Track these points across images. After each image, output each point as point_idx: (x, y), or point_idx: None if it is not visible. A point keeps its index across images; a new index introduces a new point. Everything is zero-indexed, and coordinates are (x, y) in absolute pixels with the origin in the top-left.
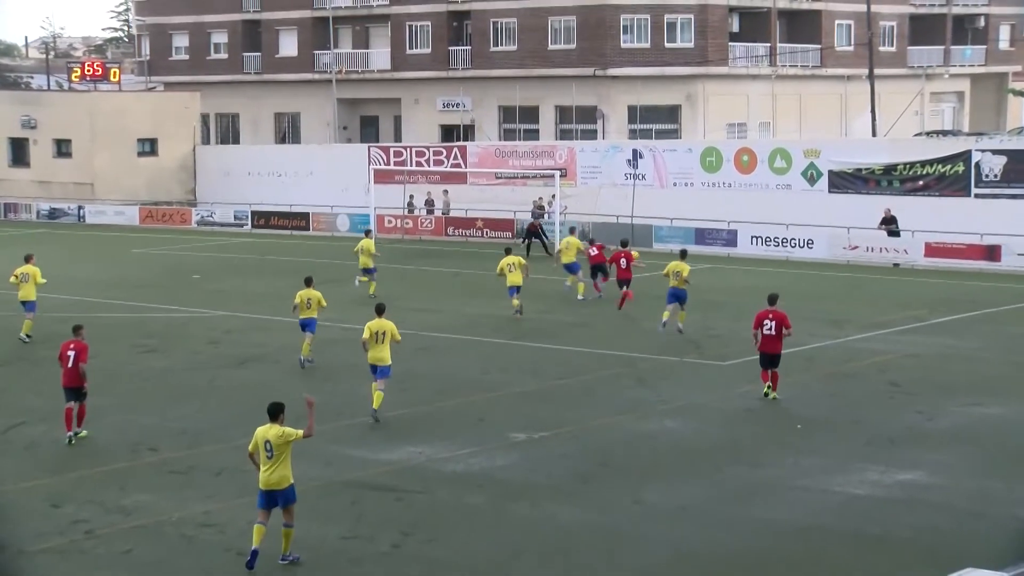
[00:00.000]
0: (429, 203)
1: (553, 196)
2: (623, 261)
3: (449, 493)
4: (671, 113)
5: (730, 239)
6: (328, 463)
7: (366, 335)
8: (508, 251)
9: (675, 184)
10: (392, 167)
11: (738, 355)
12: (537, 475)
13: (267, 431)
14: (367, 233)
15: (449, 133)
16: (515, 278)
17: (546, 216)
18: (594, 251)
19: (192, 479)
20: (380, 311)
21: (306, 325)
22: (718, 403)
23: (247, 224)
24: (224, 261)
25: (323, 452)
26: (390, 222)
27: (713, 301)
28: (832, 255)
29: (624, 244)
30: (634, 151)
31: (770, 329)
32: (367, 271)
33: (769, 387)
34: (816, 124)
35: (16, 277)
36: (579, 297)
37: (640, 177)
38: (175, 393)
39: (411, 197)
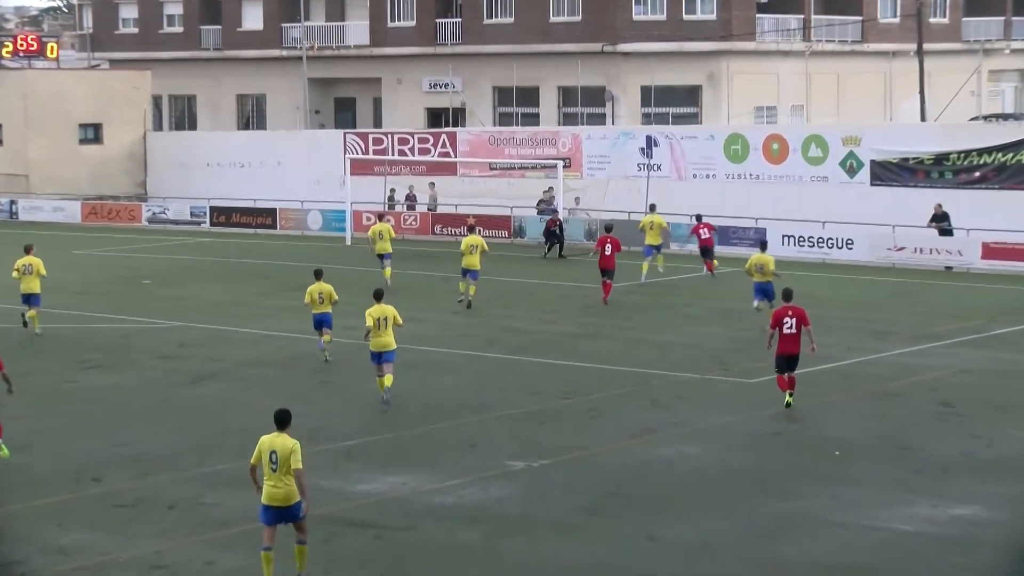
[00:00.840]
0: (411, 198)
1: (553, 190)
2: (608, 247)
3: (437, 529)
4: (690, 95)
5: (759, 239)
6: None
7: (369, 323)
8: (472, 229)
9: (695, 176)
10: (371, 156)
11: (766, 372)
12: (537, 508)
13: (273, 440)
14: (381, 217)
15: (436, 118)
16: (472, 260)
17: (562, 211)
18: (705, 232)
19: (142, 514)
20: (379, 296)
21: (322, 321)
22: (744, 426)
23: (205, 222)
24: (179, 264)
25: None
26: (368, 219)
27: (738, 310)
28: (875, 257)
29: (608, 229)
30: (648, 138)
31: (791, 328)
32: (384, 256)
33: (790, 394)
34: (856, 107)
35: (18, 271)
36: (643, 279)
37: (655, 168)
38: (122, 415)
39: (392, 191)
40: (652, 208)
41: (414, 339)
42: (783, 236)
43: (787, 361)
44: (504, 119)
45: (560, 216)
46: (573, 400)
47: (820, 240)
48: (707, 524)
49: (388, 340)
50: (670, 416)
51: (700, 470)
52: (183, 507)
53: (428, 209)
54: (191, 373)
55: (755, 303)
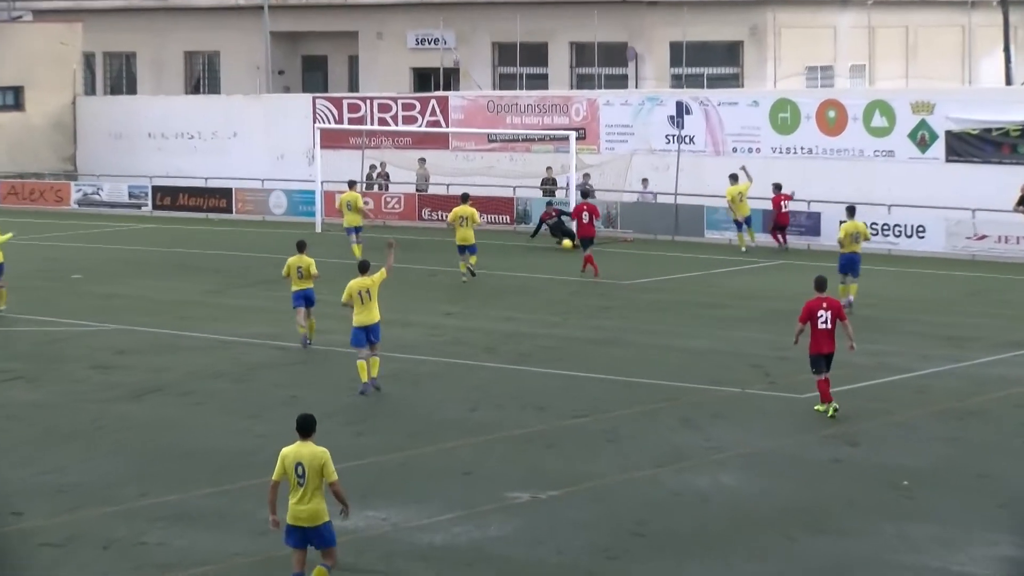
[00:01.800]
0: (382, 176)
1: (588, 176)
2: (585, 215)
3: (424, 574)
4: (730, 53)
5: (811, 225)
6: (260, 532)
7: (346, 298)
8: (465, 198)
9: (735, 150)
10: (346, 126)
11: None
12: (544, 549)
13: (299, 451)
14: (352, 185)
15: (425, 80)
16: (467, 234)
17: (568, 192)
18: (786, 205)
19: (70, 555)
20: (364, 268)
21: (306, 298)
22: (793, 450)
23: (146, 205)
24: (115, 255)
25: (252, 518)
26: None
27: (787, 311)
28: (951, 247)
29: (586, 195)
30: (679, 104)
31: (825, 322)
32: (355, 230)
33: (834, 406)
34: (929, 68)
35: None
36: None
37: (687, 140)
38: (49, 436)
39: (373, 168)
40: (735, 178)
41: (397, 345)
42: (840, 223)
43: (825, 361)
44: (506, 81)
45: (558, 207)
46: (587, 419)
47: (885, 227)
48: (748, 569)
49: (375, 313)
50: (704, 439)
51: (740, 504)
52: (120, 547)
53: (417, 189)
54: (130, 386)
55: (841, 281)
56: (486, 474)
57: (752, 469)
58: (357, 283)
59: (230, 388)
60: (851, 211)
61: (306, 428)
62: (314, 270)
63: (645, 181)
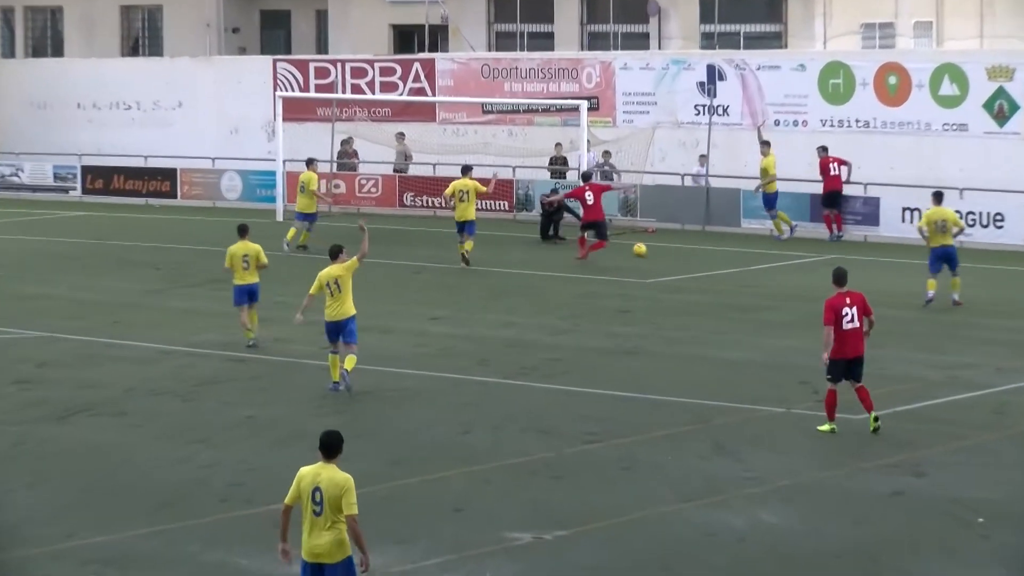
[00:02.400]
0: (349, 154)
1: (609, 154)
2: (589, 196)
3: None
4: (771, 8)
5: (868, 213)
6: None
7: (315, 288)
8: (467, 170)
9: (777, 123)
10: (313, 95)
11: (881, 403)
12: None
13: (318, 474)
14: (309, 164)
15: (406, 39)
16: (468, 211)
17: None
18: (835, 168)
19: None
20: (335, 254)
21: (249, 294)
22: (846, 481)
23: (75, 188)
24: (37, 248)
25: (196, 562)
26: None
27: None
28: None
29: (587, 178)
30: (710, 69)
31: (852, 321)
32: (306, 217)
33: (875, 417)
34: (1008, 26)
35: None
36: (781, 236)
37: (720, 111)
38: None
39: (344, 143)
40: (768, 145)
41: (374, 356)
42: (903, 210)
43: (849, 366)
44: (504, 41)
45: (557, 196)
46: (601, 444)
47: (956, 214)
48: None
49: (347, 307)
50: (741, 467)
51: (783, 545)
52: None
53: (395, 170)
54: (55, 405)
55: (929, 289)
56: (481, 510)
57: (797, 504)
58: (327, 272)
59: (173, 407)
60: (938, 197)
61: (331, 448)
62: (263, 259)
63: (704, 158)
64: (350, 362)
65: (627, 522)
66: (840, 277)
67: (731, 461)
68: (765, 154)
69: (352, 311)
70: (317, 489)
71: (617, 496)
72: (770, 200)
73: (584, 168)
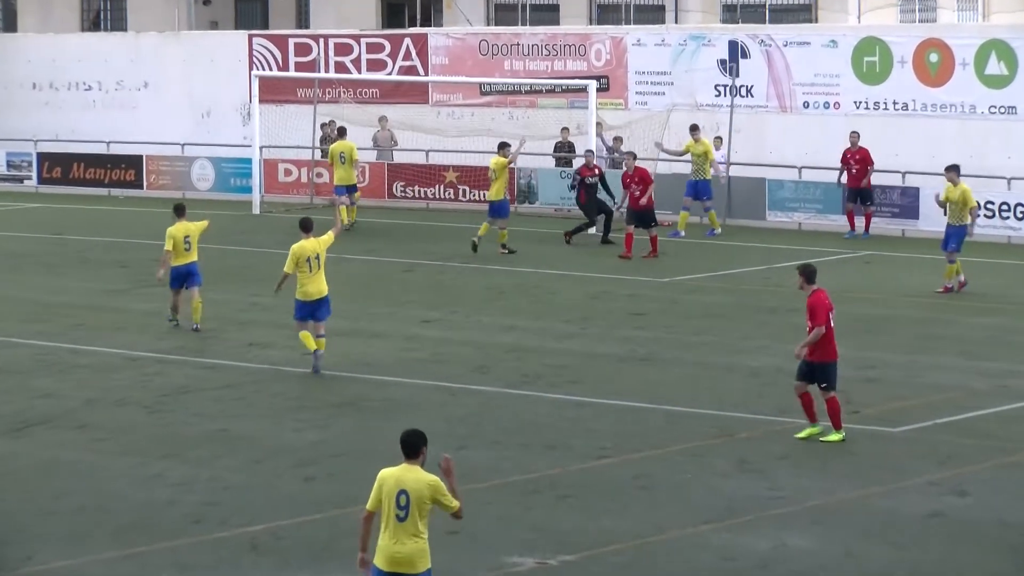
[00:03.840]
0: (326, 138)
1: (620, 141)
2: (636, 188)
3: None
4: None
5: (907, 205)
6: None
7: (290, 265)
8: (503, 147)
9: (807, 105)
10: (293, 74)
11: (920, 414)
12: None
13: (402, 476)
14: (342, 132)
15: (396, 13)
16: (498, 190)
17: (606, 150)
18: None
19: None
20: (308, 227)
21: (188, 275)
22: (882, 502)
23: (30, 177)
24: None
25: None
26: (289, 173)
27: (876, 318)
28: None
29: (626, 167)
30: (732, 45)
31: (807, 324)
32: (347, 189)
33: (832, 431)
34: None
35: None
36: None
37: (743, 92)
38: None
39: (325, 126)
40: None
41: (359, 363)
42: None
43: (827, 372)
44: (503, 15)
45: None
46: (612, 461)
47: (1004, 207)
48: None
49: (323, 286)
50: (767, 486)
51: (812, 571)
52: None
53: (378, 157)
54: (9, 418)
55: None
56: (479, 533)
57: (827, 526)
58: (303, 247)
59: (139, 420)
60: (954, 170)
61: (414, 446)
62: (206, 225)
63: (719, 140)
64: (321, 345)
65: (640, 546)
66: (811, 274)
67: (756, 479)
68: (697, 139)
69: (327, 289)
70: (403, 492)
71: (629, 518)
72: (705, 189)
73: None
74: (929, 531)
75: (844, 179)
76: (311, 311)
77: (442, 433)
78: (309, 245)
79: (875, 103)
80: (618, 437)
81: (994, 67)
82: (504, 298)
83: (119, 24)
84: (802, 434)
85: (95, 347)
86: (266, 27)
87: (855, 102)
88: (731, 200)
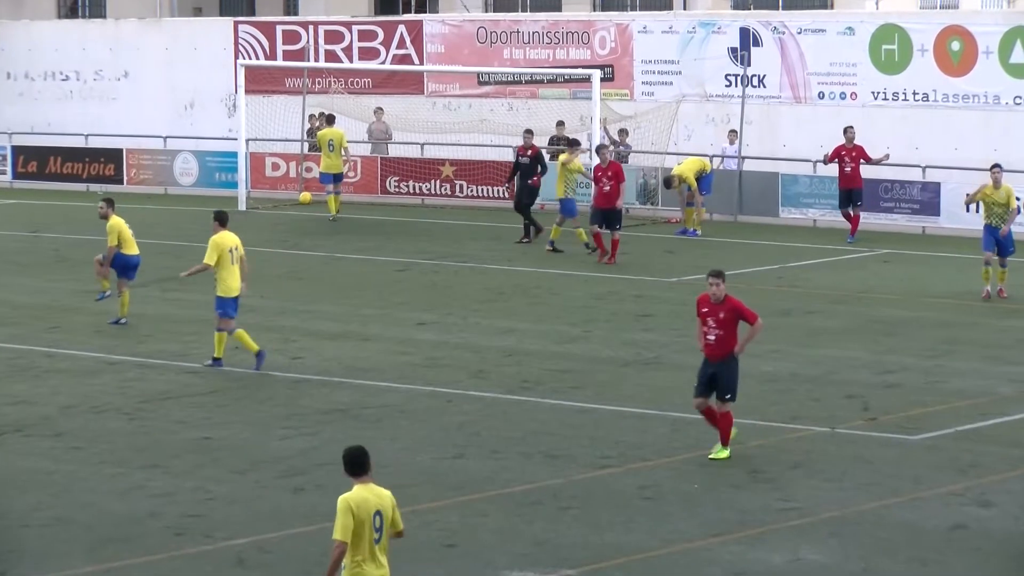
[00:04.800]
0: (315, 131)
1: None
2: (607, 183)
3: None
4: None
5: (927, 201)
6: None
7: (213, 257)
8: (572, 144)
9: (822, 95)
10: (280, 63)
11: (942, 421)
12: None
13: (370, 496)
14: (330, 120)
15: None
16: (563, 189)
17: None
18: (850, 163)
19: None
20: (225, 220)
21: (126, 267)
22: (901, 513)
23: (6, 172)
24: None
25: None
26: (276, 167)
27: (896, 319)
28: None
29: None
30: (744, 32)
31: (716, 331)
32: (334, 178)
33: (720, 447)
34: None
35: None
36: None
37: (755, 82)
38: None
39: (313, 117)
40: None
41: (350, 369)
42: (967, 196)
43: (713, 382)
44: (503, 1)
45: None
46: (617, 470)
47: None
48: None
49: (239, 278)
50: (780, 497)
51: None
52: None
53: (373, 151)
54: None
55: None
56: (476, 546)
57: (844, 539)
58: (223, 237)
59: (118, 428)
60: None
61: (363, 464)
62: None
63: (733, 134)
64: (248, 341)
65: (646, 560)
66: (716, 273)
67: (768, 489)
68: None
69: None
70: (378, 513)
71: (635, 530)
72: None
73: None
74: (951, 544)
75: (831, 169)
76: (235, 306)
77: (438, 441)
78: (230, 237)
79: (894, 94)
80: (622, 445)
81: (1019, 55)
82: (503, 299)
83: (98, 11)
84: (718, 452)
85: (72, 351)
86: (252, 14)
87: (873, 93)
88: (743, 196)
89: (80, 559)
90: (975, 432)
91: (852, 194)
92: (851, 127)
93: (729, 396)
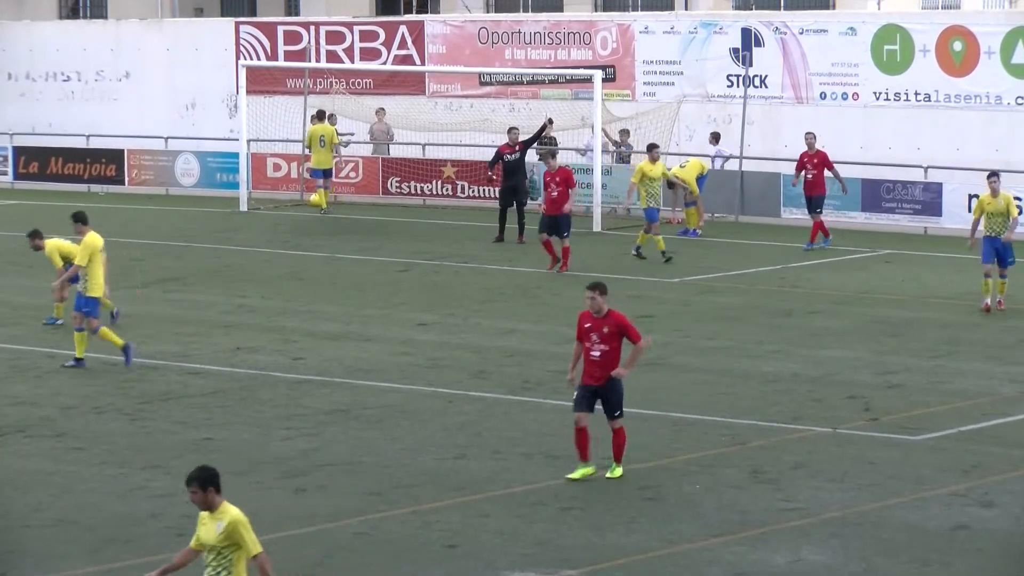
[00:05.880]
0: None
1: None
2: (555, 188)
3: None
4: None
5: (930, 202)
6: None
7: (85, 257)
8: (651, 148)
9: (824, 96)
10: (281, 64)
11: (944, 421)
12: None
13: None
14: (329, 117)
15: (392, 0)
16: (643, 196)
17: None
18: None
19: None
20: (86, 220)
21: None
22: (903, 514)
23: (7, 172)
24: None
25: None
26: (278, 167)
27: (898, 319)
28: None
29: (547, 165)
30: (746, 33)
31: (600, 347)
32: (324, 173)
33: (587, 471)
34: None
35: None
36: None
37: (757, 83)
38: None
39: (316, 118)
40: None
41: (351, 369)
42: (970, 198)
43: (593, 396)
44: (504, 1)
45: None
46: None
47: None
48: None
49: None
50: (782, 498)
51: None
52: None
53: (375, 152)
54: None
55: (985, 274)
56: (478, 547)
57: (846, 539)
58: (94, 238)
59: (119, 428)
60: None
61: (207, 479)
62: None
63: (716, 136)
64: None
65: (647, 561)
66: (600, 287)
67: (770, 490)
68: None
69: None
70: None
71: (636, 531)
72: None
73: (597, 149)
74: (953, 545)
75: (800, 183)
76: (98, 306)
77: (440, 442)
78: (98, 238)
79: (896, 94)
80: (625, 446)
81: (1021, 56)
82: (504, 299)
83: (99, 11)
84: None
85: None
86: (254, 14)
87: (875, 93)
88: (744, 196)
89: (81, 560)
90: (977, 432)
91: (812, 201)
92: (811, 133)
93: (618, 413)
